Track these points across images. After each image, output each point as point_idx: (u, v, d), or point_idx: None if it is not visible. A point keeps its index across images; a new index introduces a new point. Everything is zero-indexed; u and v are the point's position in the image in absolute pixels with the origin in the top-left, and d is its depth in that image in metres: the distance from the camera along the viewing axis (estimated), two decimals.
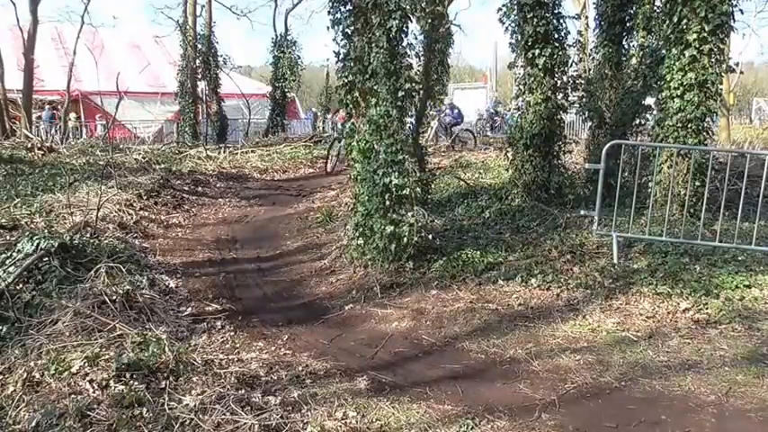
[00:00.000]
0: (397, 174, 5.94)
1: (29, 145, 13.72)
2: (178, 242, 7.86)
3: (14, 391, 3.45)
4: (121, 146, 16.69)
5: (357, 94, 6.55)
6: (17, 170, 11.07)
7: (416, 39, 8.47)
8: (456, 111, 17.24)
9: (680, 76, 6.92)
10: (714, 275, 5.43)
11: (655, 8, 8.68)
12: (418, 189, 6.25)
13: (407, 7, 6.31)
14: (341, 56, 6.78)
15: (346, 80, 6.67)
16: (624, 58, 9.29)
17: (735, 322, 4.67)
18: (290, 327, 5.03)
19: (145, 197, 9.45)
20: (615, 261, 5.90)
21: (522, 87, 8.63)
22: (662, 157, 7.08)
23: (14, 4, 19.08)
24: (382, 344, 4.71)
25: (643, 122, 9.02)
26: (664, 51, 7.50)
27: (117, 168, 11.26)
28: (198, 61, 20.88)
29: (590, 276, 5.60)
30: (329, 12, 6.73)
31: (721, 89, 7.84)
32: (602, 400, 3.71)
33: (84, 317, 4.25)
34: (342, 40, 6.71)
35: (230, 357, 4.21)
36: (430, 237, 6.22)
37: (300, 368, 4.14)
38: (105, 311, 4.38)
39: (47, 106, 21.57)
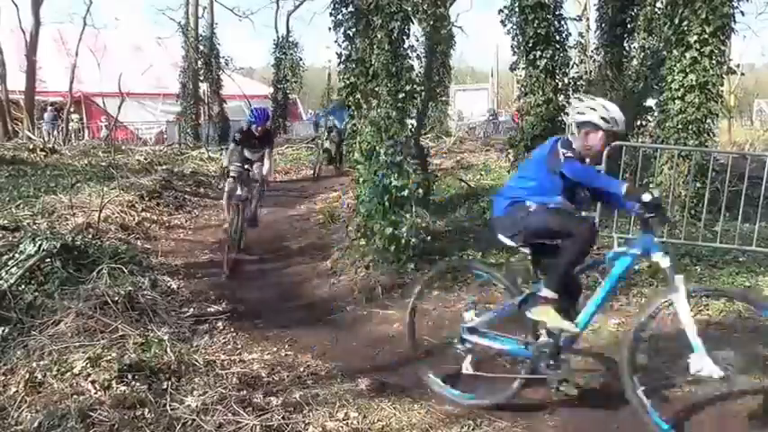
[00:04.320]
0: (396, 175, 5.95)
1: (31, 146, 13.76)
2: (180, 243, 7.87)
3: (17, 391, 3.46)
4: (123, 147, 16.74)
5: (359, 95, 6.57)
6: (19, 171, 11.11)
7: (418, 40, 8.49)
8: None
9: (681, 78, 6.93)
10: (715, 276, 5.43)
11: (656, 10, 8.71)
12: (420, 190, 6.26)
13: (409, 9, 6.33)
14: (343, 57, 6.81)
15: (348, 82, 6.69)
16: (625, 60, 9.33)
17: (736, 323, 4.67)
18: (292, 328, 5.04)
19: (147, 198, 9.47)
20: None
21: (523, 89, 8.65)
22: (663, 159, 7.09)
23: (17, 6, 19.12)
24: (384, 345, 4.72)
25: (644, 124, 9.05)
26: (665, 53, 7.52)
27: (119, 169, 11.31)
28: (200, 63, 20.94)
29: (591, 277, 5.60)
30: (331, 13, 6.75)
31: (722, 91, 7.85)
32: (603, 401, 3.71)
33: (87, 318, 4.25)
34: (344, 41, 6.73)
35: (232, 358, 4.21)
36: (429, 238, 6.23)
37: (302, 369, 4.15)
38: (107, 312, 4.39)
39: (49, 107, 21.62)
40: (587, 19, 17.17)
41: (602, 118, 3.30)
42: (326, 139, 12.86)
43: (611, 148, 6.36)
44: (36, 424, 3.14)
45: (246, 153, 7.07)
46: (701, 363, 3.03)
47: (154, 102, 24.30)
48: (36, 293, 4.63)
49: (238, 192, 6.74)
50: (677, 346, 3.78)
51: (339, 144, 12.65)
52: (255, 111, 7.12)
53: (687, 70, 6.88)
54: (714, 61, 6.84)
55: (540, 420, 3.51)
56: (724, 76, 7.35)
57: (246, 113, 22.73)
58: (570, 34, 8.57)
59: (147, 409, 3.30)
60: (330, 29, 6.81)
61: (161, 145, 19.21)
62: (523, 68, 8.56)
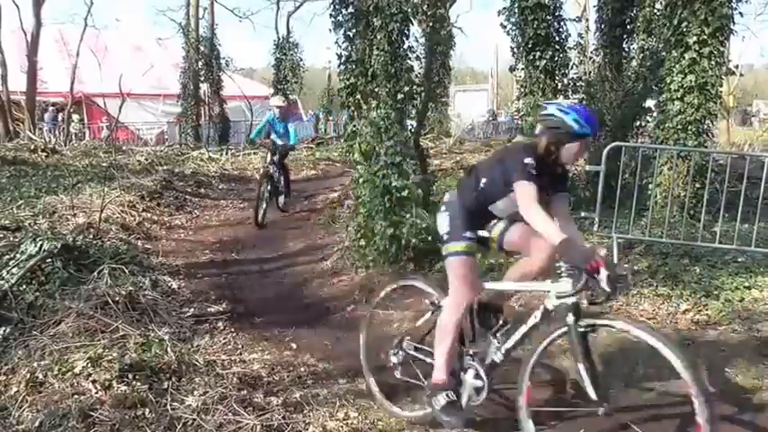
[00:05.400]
0: (397, 176, 5.97)
1: (32, 147, 13.76)
2: (181, 244, 7.89)
3: (18, 391, 3.47)
4: (124, 147, 16.76)
5: (359, 96, 6.59)
6: (21, 172, 11.12)
7: (417, 41, 8.51)
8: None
9: (680, 79, 6.94)
10: (714, 277, 5.43)
11: (655, 11, 8.72)
12: (419, 191, 6.28)
13: (409, 10, 6.35)
14: (343, 58, 6.82)
15: (348, 82, 6.71)
16: (624, 61, 9.33)
17: (734, 323, 4.68)
18: (293, 328, 5.06)
19: (147, 199, 9.49)
20: (615, 262, 5.91)
21: (523, 90, 8.67)
22: (662, 159, 7.10)
23: (18, 7, 19.11)
24: (384, 345, 4.72)
25: (643, 124, 9.05)
26: (664, 54, 7.53)
27: (120, 170, 11.33)
28: (200, 63, 20.96)
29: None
30: (331, 14, 6.77)
31: (721, 92, 7.86)
32: None
33: (87, 318, 4.27)
34: (344, 42, 6.76)
35: (232, 358, 4.23)
36: (430, 238, 6.24)
37: (302, 369, 4.17)
38: (108, 312, 4.41)
39: (50, 108, 21.63)
40: (587, 20, 17.15)
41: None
42: (269, 164, 9.01)
43: (611, 149, 6.40)
44: (37, 423, 3.16)
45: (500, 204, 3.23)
46: None
47: (154, 102, 24.29)
48: (37, 293, 4.64)
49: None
50: None
51: (282, 169, 9.23)
52: (583, 112, 3.03)
53: (686, 71, 6.89)
54: (713, 62, 6.85)
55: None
56: (723, 76, 7.35)
57: (247, 114, 22.88)
58: (570, 35, 8.61)
59: (147, 409, 3.31)
60: (330, 30, 6.83)
61: (162, 145, 19.22)
62: (523, 69, 8.58)
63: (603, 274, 2.71)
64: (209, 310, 5.40)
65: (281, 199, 9.46)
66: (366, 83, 6.44)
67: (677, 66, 6.95)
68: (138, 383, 3.51)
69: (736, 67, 8.45)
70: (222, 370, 3.93)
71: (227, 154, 16.13)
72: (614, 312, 4.99)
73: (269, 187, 8.87)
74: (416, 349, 3.59)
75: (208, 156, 15.50)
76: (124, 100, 16.30)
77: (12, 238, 6.02)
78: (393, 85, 6.13)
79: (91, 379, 3.52)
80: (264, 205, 8.76)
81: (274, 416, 3.36)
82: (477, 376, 3.17)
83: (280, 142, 9.08)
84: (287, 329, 5.01)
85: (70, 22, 24.60)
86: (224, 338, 4.67)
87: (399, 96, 6.17)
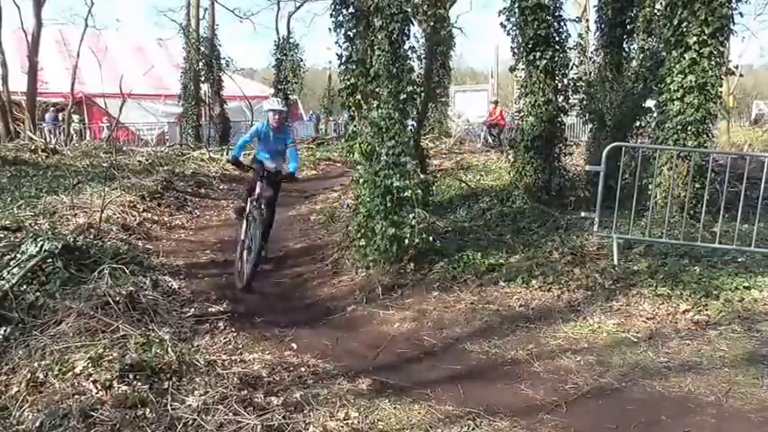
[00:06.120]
0: (398, 176, 5.97)
1: (33, 147, 13.78)
2: (181, 244, 7.89)
3: (18, 391, 3.47)
4: (125, 148, 16.77)
5: (359, 96, 6.58)
6: (21, 172, 11.13)
7: (418, 42, 8.51)
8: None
9: (680, 79, 6.94)
10: (714, 277, 5.44)
11: (655, 11, 8.72)
12: (419, 191, 6.28)
13: (409, 10, 6.35)
14: (343, 59, 6.81)
15: (348, 83, 6.70)
16: (624, 61, 9.33)
17: (734, 323, 4.68)
18: (293, 328, 5.06)
19: (148, 199, 9.49)
20: (615, 262, 5.92)
21: (523, 90, 8.67)
22: (662, 160, 7.10)
23: (18, 7, 19.12)
24: (384, 345, 4.73)
25: (643, 125, 9.05)
26: (664, 54, 7.53)
27: (120, 170, 11.34)
28: (201, 64, 20.96)
29: (590, 278, 5.62)
30: (331, 15, 6.75)
31: (721, 92, 7.86)
32: (603, 401, 3.73)
33: (88, 318, 4.27)
34: (344, 42, 6.74)
35: (233, 358, 4.23)
36: (431, 238, 6.25)
37: (303, 369, 4.17)
38: (109, 312, 4.40)
39: (50, 108, 21.64)
40: (587, 20, 17.14)
41: None
42: (256, 197, 6.39)
43: (611, 149, 6.40)
44: (38, 423, 3.16)
45: None
46: None
47: (155, 103, 24.30)
48: (38, 293, 4.64)
49: None
50: None
51: (270, 207, 6.57)
52: None
53: (686, 71, 6.90)
54: (713, 62, 6.85)
55: (540, 420, 3.52)
56: (723, 77, 7.35)
57: (247, 114, 22.90)
58: (570, 35, 8.61)
59: (148, 409, 3.31)
60: (330, 30, 6.82)
61: (162, 146, 19.23)
62: (523, 69, 8.58)
63: None
64: (209, 310, 5.40)
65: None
66: (366, 83, 6.43)
67: (677, 66, 6.96)
68: (139, 383, 3.51)
69: (736, 67, 8.45)
70: (223, 370, 3.92)
71: (227, 154, 16.13)
72: (614, 312, 5.00)
73: (251, 230, 6.26)
74: None
75: (208, 156, 15.50)
76: (125, 100, 16.34)
77: (12, 239, 6.01)
78: (395, 85, 6.13)
79: (91, 379, 3.52)
80: (248, 257, 6.13)
81: (275, 416, 3.37)
82: None
83: (273, 165, 6.61)
84: (287, 329, 5.01)
85: (71, 22, 24.52)
86: (224, 338, 4.67)
87: (402, 96, 6.16)
